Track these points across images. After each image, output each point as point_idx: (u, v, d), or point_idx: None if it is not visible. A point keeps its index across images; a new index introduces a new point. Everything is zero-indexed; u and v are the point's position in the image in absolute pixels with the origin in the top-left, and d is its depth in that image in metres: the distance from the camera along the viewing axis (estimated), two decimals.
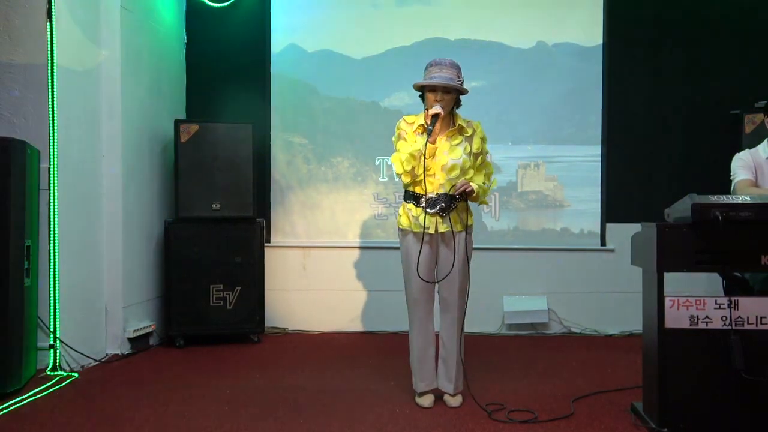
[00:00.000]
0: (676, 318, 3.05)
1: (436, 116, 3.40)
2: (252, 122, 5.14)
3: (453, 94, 3.47)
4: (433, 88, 3.44)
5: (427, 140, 3.40)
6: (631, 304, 4.64)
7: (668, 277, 3.06)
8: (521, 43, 5.56)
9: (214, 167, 5.00)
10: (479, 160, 3.57)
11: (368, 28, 5.62)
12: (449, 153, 3.49)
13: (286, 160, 5.65)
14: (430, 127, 3.39)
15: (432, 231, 3.48)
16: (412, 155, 3.40)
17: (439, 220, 3.48)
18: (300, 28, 5.64)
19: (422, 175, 3.43)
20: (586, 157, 5.52)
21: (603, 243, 5.49)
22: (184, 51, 5.65)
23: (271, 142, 5.62)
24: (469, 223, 3.55)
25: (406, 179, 3.46)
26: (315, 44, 5.63)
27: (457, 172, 3.46)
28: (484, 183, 3.58)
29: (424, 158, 3.40)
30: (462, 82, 3.48)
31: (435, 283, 3.57)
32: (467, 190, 3.41)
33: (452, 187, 3.44)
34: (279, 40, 5.63)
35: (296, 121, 5.65)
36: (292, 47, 5.64)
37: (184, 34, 5.65)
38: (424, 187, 3.46)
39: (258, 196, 5.20)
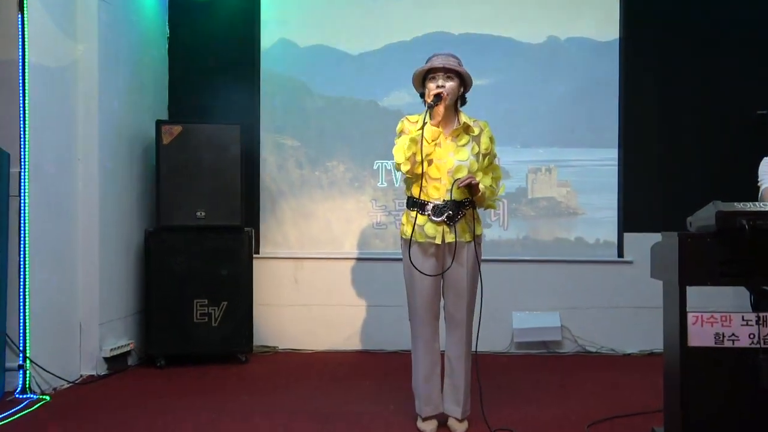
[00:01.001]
0: (700, 335, 3.05)
1: (438, 97, 3.40)
2: (240, 123, 5.15)
3: (456, 83, 3.49)
4: (433, 75, 3.48)
5: (426, 114, 3.39)
6: (650, 320, 4.65)
7: (691, 291, 3.06)
8: (531, 38, 5.58)
9: (199, 172, 5.01)
10: (486, 161, 3.59)
11: (365, 22, 5.64)
12: (455, 154, 3.50)
13: (277, 164, 5.66)
14: (432, 103, 3.39)
15: (438, 241, 3.49)
16: (413, 140, 3.40)
17: (446, 229, 3.48)
18: (292, 22, 5.66)
19: (421, 162, 3.42)
20: (602, 161, 5.54)
21: (620, 254, 5.51)
22: (167, 46, 5.67)
23: (261, 144, 5.64)
24: (477, 232, 3.56)
25: (406, 167, 3.44)
26: (308, 39, 5.66)
27: (464, 174, 3.46)
28: (491, 186, 3.59)
29: (421, 138, 3.38)
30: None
31: (441, 275, 3.55)
32: (473, 182, 3.40)
33: (455, 181, 3.44)
34: (269, 34, 5.65)
35: (288, 122, 5.66)
36: (283, 42, 5.66)
37: (167, 28, 5.67)
38: (420, 183, 3.44)
39: (246, 203, 5.21)
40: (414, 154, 3.40)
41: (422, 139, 3.38)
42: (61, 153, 4.50)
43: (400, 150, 3.45)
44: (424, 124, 3.40)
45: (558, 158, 5.58)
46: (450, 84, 3.47)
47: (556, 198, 5.59)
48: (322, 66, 5.65)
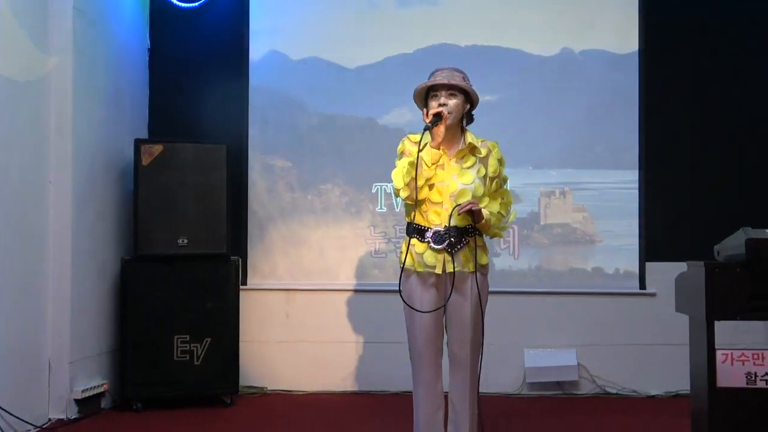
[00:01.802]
0: (730, 375, 3.03)
1: (438, 116, 3.39)
2: (226, 142, 5.16)
3: (460, 100, 3.49)
4: (435, 91, 3.49)
5: (422, 136, 3.38)
6: (676, 358, 4.61)
7: (719, 326, 3.05)
8: (543, 50, 5.61)
9: (181, 195, 5.01)
10: (494, 185, 3.58)
11: (364, 32, 5.67)
12: (459, 177, 3.49)
13: (267, 187, 5.66)
14: (430, 125, 3.37)
15: (438, 271, 3.47)
16: (411, 164, 3.40)
17: (447, 258, 3.46)
18: (283, 32, 5.69)
19: (422, 187, 3.41)
20: (621, 184, 5.54)
21: (642, 285, 5.49)
22: (148, 59, 5.70)
23: (249, 165, 5.64)
24: (483, 262, 3.54)
25: (405, 193, 3.44)
26: (301, 51, 5.68)
27: (468, 199, 3.46)
28: (499, 212, 3.58)
29: (417, 163, 3.37)
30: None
31: (442, 324, 3.54)
32: (474, 209, 3.39)
33: (455, 207, 3.43)
34: (259, 45, 5.68)
35: (278, 141, 5.67)
36: (273, 54, 5.69)
37: (148, 40, 5.70)
38: (414, 197, 3.42)
39: (233, 229, 5.21)
40: (413, 179, 3.40)
41: (418, 162, 3.37)
42: (31, 174, 4.50)
43: (399, 174, 3.45)
44: (422, 146, 3.39)
45: (573, 181, 5.58)
46: (453, 102, 3.47)
47: (572, 224, 5.58)
48: (317, 80, 5.66)
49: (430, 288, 3.50)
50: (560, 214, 5.58)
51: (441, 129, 3.41)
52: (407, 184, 3.42)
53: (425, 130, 3.39)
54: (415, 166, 3.39)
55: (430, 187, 3.48)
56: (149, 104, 5.70)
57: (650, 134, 5.52)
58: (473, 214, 3.41)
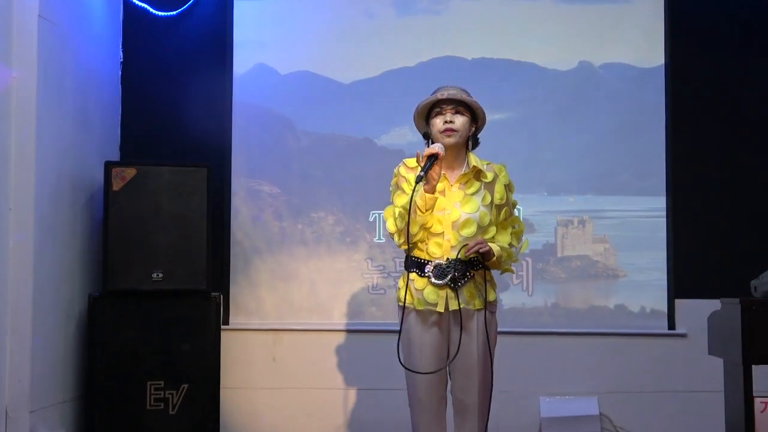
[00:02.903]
0: None
1: (432, 158, 3.38)
2: (207, 165, 5.15)
3: (466, 118, 3.51)
4: (439, 109, 3.51)
5: (416, 186, 3.39)
6: (709, 406, 4.58)
7: (758, 370, 3.03)
8: (559, 64, 5.63)
9: (156, 224, 5.00)
10: (503, 214, 3.59)
11: (360, 44, 5.70)
12: (462, 205, 3.51)
13: (252, 215, 5.66)
14: (422, 173, 3.36)
15: (440, 309, 3.47)
16: (405, 209, 3.41)
17: (451, 294, 3.47)
18: (271, 44, 5.71)
19: (417, 234, 3.45)
20: (647, 212, 5.55)
21: (671, 325, 5.48)
22: (120, 73, 5.72)
23: (232, 191, 5.64)
24: (490, 298, 3.54)
25: (400, 239, 3.48)
26: (291, 64, 5.71)
27: (472, 230, 3.48)
28: (510, 244, 3.58)
29: (410, 209, 3.38)
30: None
31: (445, 368, 3.54)
32: (481, 250, 3.40)
33: (462, 248, 3.43)
34: (244, 58, 5.70)
35: (265, 164, 5.68)
36: (260, 68, 5.71)
37: (120, 52, 5.73)
38: (409, 243, 3.44)
39: (213, 262, 5.19)
40: (407, 225, 3.41)
41: (409, 206, 3.38)
42: None
43: (392, 217, 3.50)
44: (414, 192, 3.40)
45: (593, 208, 5.59)
46: (460, 120, 3.49)
47: (592, 256, 5.58)
48: (308, 97, 5.68)
49: (431, 328, 3.50)
50: (579, 245, 5.58)
51: (437, 170, 3.41)
52: (401, 230, 3.44)
53: (417, 181, 3.36)
54: (407, 211, 3.39)
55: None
56: (121, 123, 5.70)
57: (679, 156, 5.53)
58: (482, 254, 3.42)
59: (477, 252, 3.41)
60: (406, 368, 3.51)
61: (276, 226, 5.66)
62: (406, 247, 3.49)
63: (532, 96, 5.64)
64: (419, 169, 3.48)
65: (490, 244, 3.46)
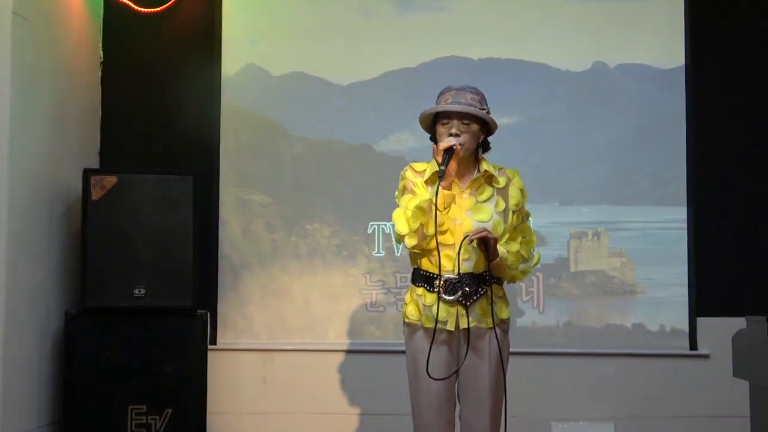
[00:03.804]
0: None
1: (449, 151, 3.41)
2: (193, 173, 5.15)
3: (475, 128, 3.51)
4: (446, 118, 3.50)
5: (438, 185, 3.40)
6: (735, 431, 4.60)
7: None
8: (572, 65, 5.64)
9: (138, 236, 5.00)
10: (514, 219, 3.59)
11: (358, 43, 5.72)
12: (474, 213, 3.51)
13: (242, 227, 5.66)
14: (443, 167, 3.39)
15: (451, 327, 3.46)
16: (420, 208, 3.41)
17: (461, 311, 3.46)
18: (263, 43, 5.73)
19: (431, 240, 3.44)
20: (667, 223, 5.56)
21: (693, 345, 5.47)
22: (100, 74, 5.73)
23: (221, 200, 5.65)
24: (503, 316, 3.54)
25: (412, 242, 3.45)
26: (283, 65, 5.72)
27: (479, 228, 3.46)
28: (518, 252, 3.58)
29: (435, 209, 3.40)
30: (488, 113, 3.54)
31: (454, 391, 3.53)
32: (488, 236, 3.38)
33: (464, 239, 3.42)
34: (233, 58, 5.71)
35: (256, 172, 5.69)
36: (251, 69, 5.72)
37: (101, 51, 5.73)
38: (438, 261, 3.44)
39: (200, 277, 5.19)
40: (423, 226, 3.41)
41: (433, 205, 3.39)
42: None
43: (403, 218, 3.47)
44: (437, 191, 3.40)
45: (609, 219, 5.59)
46: (468, 133, 3.48)
47: (607, 271, 5.58)
48: (302, 100, 5.70)
49: (439, 347, 3.48)
50: (594, 259, 5.58)
51: (453, 165, 3.43)
52: (414, 231, 3.43)
53: (440, 176, 3.39)
54: (424, 212, 3.40)
55: (442, 232, 3.48)
56: (101, 127, 5.70)
57: (701, 163, 5.54)
58: (487, 246, 3.41)
59: (482, 240, 3.38)
60: (428, 374, 3.45)
61: (267, 238, 5.66)
62: (419, 250, 3.49)
63: (543, 99, 5.66)
64: (430, 171, 3.51)
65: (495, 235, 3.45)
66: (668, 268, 5.54)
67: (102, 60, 5.74)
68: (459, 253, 3.43)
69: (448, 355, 3.51)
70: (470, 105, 3.47)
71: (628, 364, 5.46)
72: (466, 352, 3.46)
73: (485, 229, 3.41)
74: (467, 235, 3.41)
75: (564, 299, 5.57)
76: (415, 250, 3.51)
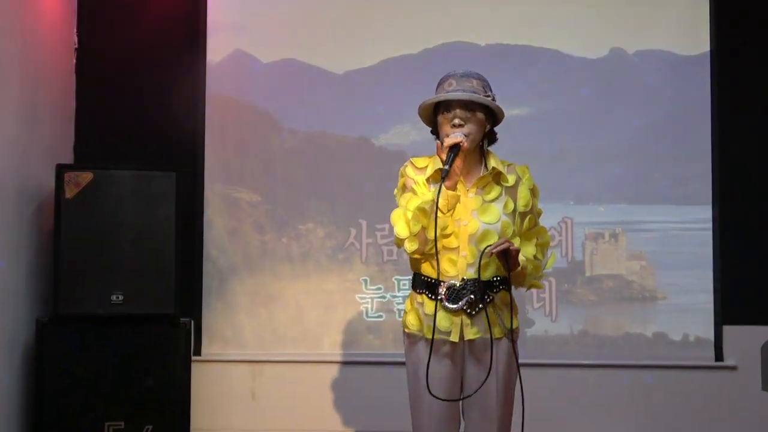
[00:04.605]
0: None
1: (455, 148, 3.38)
2: (175, 170, 5.12)
3: (480, 117, 3.47)
4: (447, 108, 3.47)
5: (441, 185, 3.37)
6: None
7: None
8: (587, 51, 5.65)
9: (116, 238, 4.97)
10: (527, 223, 3.56)
11: (356, 29, 5.71)
12: (481, 214, 3.48)
13: (228, 228, 5.65)
14: (447, 167, 3.37)
15: (455, 338, 3.45)
16: (421, 210, 3.38)
17: (466, 320, 3.45)
18: (251, 27, 5.72)
19: (435, 240, 3.40)
20: (690, 224, 5.56)
21: (719, 356, 5.47)
22: (75, 61, 5.71)
23: (205, 199, 5.65)
24: (513, 325, 3.52)
25: (412, 246, 3.43)
26: (274, 51, 5.71)
27: (493, 242, 3.43)
28: (535, 257, 3.56)
29: (436, 212, 3.37)
30: (493, 100, 3.51)
31: (459, 407, 3.52)
32: (510, 248, 3.35)
33: (486, 248, 3.39)
34: (219, 44, 5.70)
35: (244, 168, 5.68)
36: (238, 55, 5.72)
37: (75, 37, 5.71)
38: (437, 265, 3.43)
39: (183, 283, 5.17)
40: (424, 230, 3.39)
41: (436, 208, 3.36)
42: None
43: (402, 220, 3.45)
44: (440, 190, 3.37)
45: (627, 219, 5.59)
46: (472, 122, 3.45)
47: (626, 276, 5.58)
48: (294, 89, 5.70)
49: (441, 360, 3.47)
50: (611, 262, 5.58)
51: (458, 164, 3.41)
52: (415, 235, 3.41)
53: (443, 177, 3.36)
54: (426, 214, 3.38)
55: (445, 235, 3.46)
56: (76, 120, 5.69)
57: (727, 159, 5.54)
58: (508, 257, 3.38)
59: (505, 251, 3.35)
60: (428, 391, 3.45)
61: (256, 240, 5.65)
62: (420, 255, 3.48)
63: (556, 89, 5.65)
64: (432, 168, 3.49)
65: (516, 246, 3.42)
66: (692, 273, 5.54)
67: (77, 46, 5.72)
68: (479, 264, 3.41)
69: (451, 368, 3.49)
70: (473, 92, 3.44)
71: (648, 376, 5.47)
72: (488, 375, 3.42)
73: (507, 240, 3.39)
74: (488, 247, 3.39)
75: (579, 306, 5.57)
76: (416, 255, 3.49)
